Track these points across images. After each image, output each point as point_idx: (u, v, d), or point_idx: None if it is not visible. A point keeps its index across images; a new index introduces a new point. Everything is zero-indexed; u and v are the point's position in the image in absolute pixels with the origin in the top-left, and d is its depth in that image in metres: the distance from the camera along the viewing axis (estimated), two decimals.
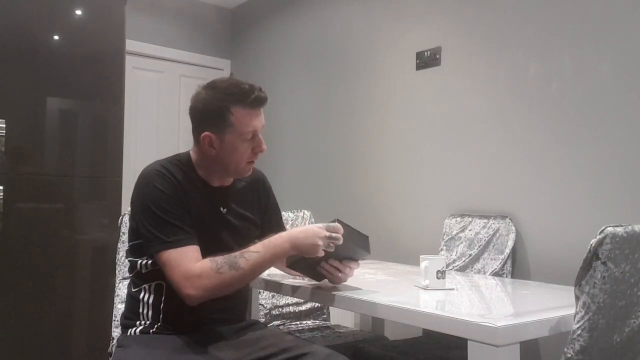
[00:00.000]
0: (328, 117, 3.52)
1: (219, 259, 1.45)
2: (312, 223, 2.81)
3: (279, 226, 1.90)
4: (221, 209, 1.64)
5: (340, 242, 1.49)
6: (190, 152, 1.66)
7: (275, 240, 1.48)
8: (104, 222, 2.82)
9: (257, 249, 1.47)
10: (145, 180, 1.54)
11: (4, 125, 2.54)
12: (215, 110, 1.54)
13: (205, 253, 1.52)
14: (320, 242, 1.45)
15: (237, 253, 1.46)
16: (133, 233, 1.59)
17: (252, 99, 1.54)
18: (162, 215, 1.49)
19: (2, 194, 2.52)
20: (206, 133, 1.55)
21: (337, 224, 1.50)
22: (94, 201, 2.85)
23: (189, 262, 1.45)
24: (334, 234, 1.47)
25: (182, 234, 1.49)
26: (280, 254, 1.49)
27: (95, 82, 2.83)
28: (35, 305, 2.61)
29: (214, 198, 1.63)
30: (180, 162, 1.61)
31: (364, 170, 3.24)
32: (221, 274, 1.43)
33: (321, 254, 1.48)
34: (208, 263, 1.44)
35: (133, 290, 1.60)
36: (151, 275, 1.55)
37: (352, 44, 3.36)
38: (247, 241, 1.70)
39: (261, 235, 1.83)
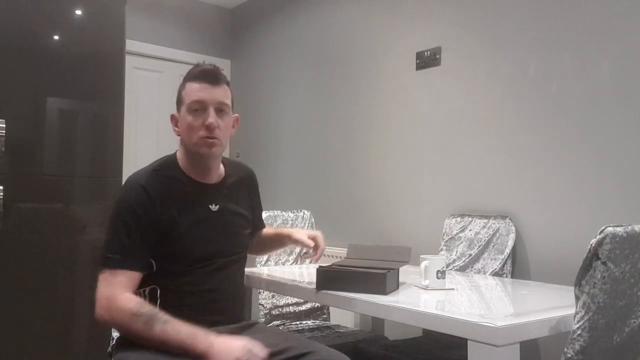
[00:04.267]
0: (328, 117, 3.52)
1: (145, 309, 1.42)
2: (312, 223, 2.81)
3: (258, 221, 1.91)
4: (211, 206, 1.63)
5: None
6: (177, 152, 1.68)
7: (199, 339, 1.38)
8: (104, 222, 2.82)
9: (179, 331, 1.39)
10: (125, 192, 1.56)
11: (4, 125, 2.54)
12: (178, 92, 1.65)
13: (198, 254, 1.54)
14: None
15: (164, 317, 1.40)
16: None
17: (198, 71, 1.61)
18: (121, 234, 1.49)
19: (2, 194, 2.52)
20: (171, 114, 1.66)
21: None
22: (94, 201, 2.85)
23: (119, 288, 1.45)
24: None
25: (129, 258, 1.48)
26: (194, 351, 1.38)
27: (95, 82, 2.83)
28: (35, 305, 2.61)
29: (203, 196, 1.63)
30: (167, 165, 1.63)
31: (364, 170, 3.24)
32: (134, 321, 1.40)
33: None
34: (132, 303, 1.42)
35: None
36: (144, 281, 1.54)
37: (352, 44, 3.36)
38: (239, 239, 1.70)
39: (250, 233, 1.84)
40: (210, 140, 1.58)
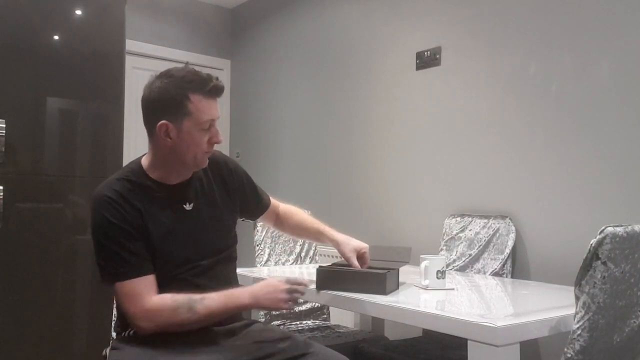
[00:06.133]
0: (328, 117, 3.52)
1: (179, 298, 1.43)
2: None
3: (258, 201, 1.85)
4: (184, 206, 1.58)
5: (302, 294, 1.54)
6: (143, 157, 1.62)
7: (236, 293, 1.50)
8: None
9: (218, 298, 1.46)
10: (95, 209, 1.49)
11: (4, 125, 2.54)
12: (172, 97, 1.49)
13: (179, 258, 1.52)
14: (282, 296, 1.48)
15: (198, 296, 1.44)
16: None
17: (211, 87, 1.50)
18: (113, 247, 1.45)
19: (2, 194, 2.52)
20: (162, 122, 1.49)
21: (298, 279, 1.56)
22: None
23: (145, 295, 1.43)
24: (295, 287, 1.50)
25: (133, 266, 1.45)
26: (239, 307, 1.52)
27: (95, 82, 2.83)
28: (35, 305, 2.61)
29: (174, 198, 1.57)
30: (132, 173, 1.56)
31: (364, 170, 3.24)
32: (177, 314, 1.42)
33: (287, 307, 1.52)
34: (168, 300, 1.43)
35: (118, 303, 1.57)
36: None
37: (352, 44, 3.36)
38: (222, 235, 1.66)
39: (248, 217, 1.86)
40: (208, 154, 1.58)
